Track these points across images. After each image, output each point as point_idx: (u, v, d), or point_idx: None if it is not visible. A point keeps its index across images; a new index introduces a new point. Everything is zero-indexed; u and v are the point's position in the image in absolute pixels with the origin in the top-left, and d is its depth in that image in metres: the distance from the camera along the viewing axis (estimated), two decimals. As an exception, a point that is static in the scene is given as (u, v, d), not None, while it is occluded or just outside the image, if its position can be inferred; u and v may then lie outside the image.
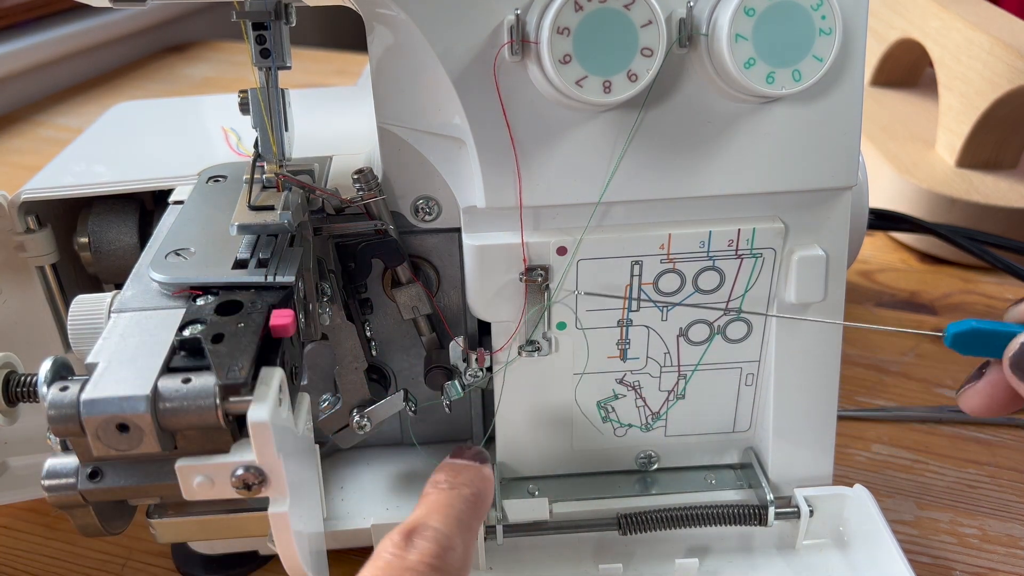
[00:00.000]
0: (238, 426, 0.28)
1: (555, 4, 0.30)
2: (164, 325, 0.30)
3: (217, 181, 0.40)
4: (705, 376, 0.39)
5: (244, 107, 0.35)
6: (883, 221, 0.65)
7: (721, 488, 0.41)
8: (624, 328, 0.37)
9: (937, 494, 0.45)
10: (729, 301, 0.37)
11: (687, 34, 0.32)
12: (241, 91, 0.35)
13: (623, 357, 0.38)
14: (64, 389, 0.27)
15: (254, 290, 0.31)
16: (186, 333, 0.29)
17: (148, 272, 0.32)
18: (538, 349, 0.37)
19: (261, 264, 0.32)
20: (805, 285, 0.36)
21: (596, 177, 0.34)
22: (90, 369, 0.28)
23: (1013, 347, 0.30)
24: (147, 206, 0.43)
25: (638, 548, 0.39)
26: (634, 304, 0.37)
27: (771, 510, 0.38)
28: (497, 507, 0.38)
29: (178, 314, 0.30)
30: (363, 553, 0.40)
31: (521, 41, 0.31)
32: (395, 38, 0.34)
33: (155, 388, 0.27)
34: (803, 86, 0.32)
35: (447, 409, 0.39)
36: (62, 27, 1.11)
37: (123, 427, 0.26)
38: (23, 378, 0.31)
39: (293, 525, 0.28)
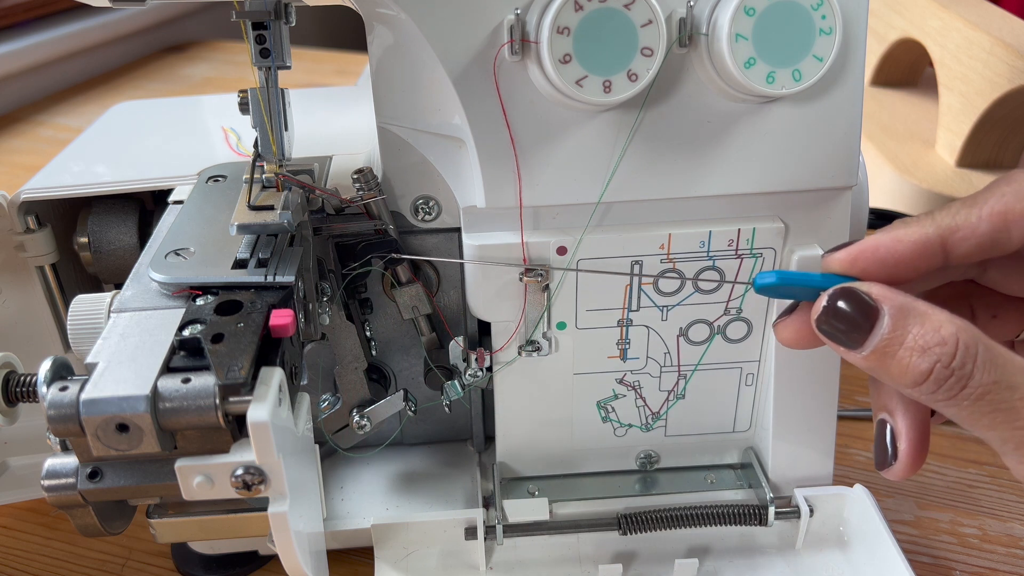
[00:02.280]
0: (238, 426, 0.28)
1: (555, 4, 0.30)
2: (164, 325, 0.30)
3: (217, 181, 0.40)
4: (705, 376, 0.39)
5: (244, 107, 0.35)
6: (883, 221, 0.65)
7: (721, 488, 0.41)
8: (624, 328, 0.37)
9: (937, 494, 0.45)
10: (729, 301, 0.37)
11: (687, 34, 0.32)
12: (241, 91, 0.35)
13: (623, 357, 0.38)
14: (64, 389, 0.27)
15: (254, 290, 0.31)
16: (186, 333, 0.29)
17: (148, 272, 0.32)
18: (538, 349, 0.37)
19: (261, 264, 0.32)
20: (805, 285, 0.36)
21: (596, 177, 0.34)
22: (90, 369, 0.28)
23: (818, 306, 0.29)
24: (147, 206, 0.43)
25: (638, 548, 0.39)
26: (634, 303, 0.37)
27: (771, 510, 0.38)
28: (497, 507, 0.39)
29: (178, 314, 0.30)
30: (363, 553, 0.40)
31: (521, 41, 0.31)
32: (395, 38, 0.34)
33: (155, 388, 0.27)
34: (803, 86, 0.32)
35: (447, 409, 0.39)
36: (62, 27, 1.11)
37: (123, 427, 0.26)
38: (23, 378, 0.31)
39: (293, 525, 0.28)
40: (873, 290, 0.29)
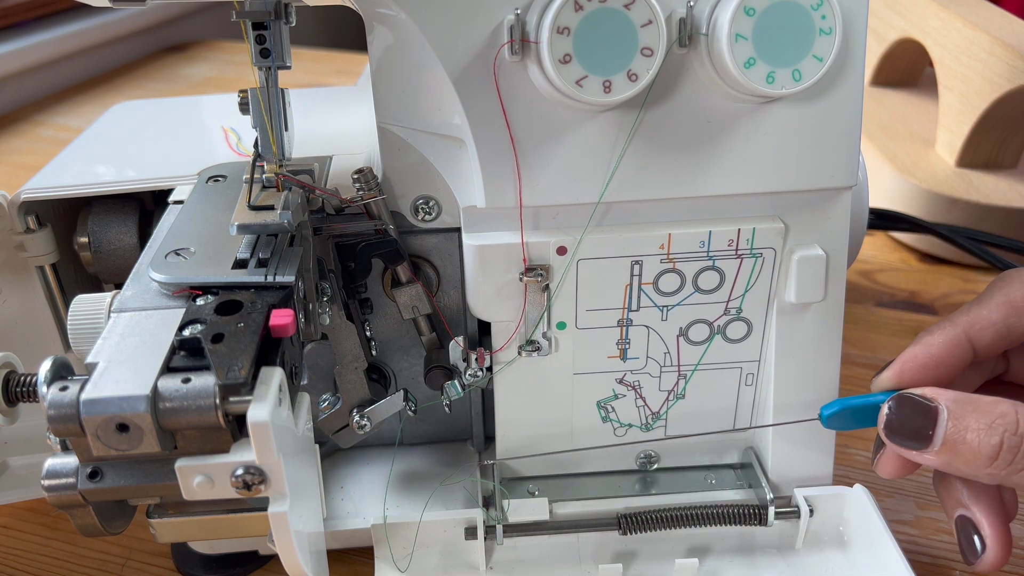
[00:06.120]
0: (238, 426, 0.28)
1: (555, 4, 0.30)
2: (164, 325, 0.30)
3: (217, 181, 0.40)
4: (705, 376, 0.39)
5: (244, 107, 0.35)
6: (883, 221, 0.65)
7: (721, 488, 0.41)
8: (624, 328, 0.37)
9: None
10: (729, 301, 0.37)
11: (687, 34, 0.32)
12: (241, 91, 0.35)
13: (623, 357, 0.38)
14: (64, 389, 0.27)
15: (254, 290, 0.31)
16: (186, 333, 0.29)
17: (148, 272, 0.32)
18: (538, 349, 0.37)
19: (261, 264, 0.32)
20: (805, 285, 0.36)
21: (596, 177, 0.34)
22: (90, 369, 0.28)
23: (882, 418, 0.32)
24: (147, 206, 0.43)
25: (638, 548, 0.39)
26: (634, 303, 0.37)
27: (771, 510, 0.38)
28: (497, 507, 0.39)
29: (178, 314, 0.30)
30: (363, 553, 0.40)
31: (521, 41, 0.31)
32: (395, 38, 0.34)
33: (155, 388, 0.27)
34: (803, 86, 0.32)
35: (447, 409, 0.39)
36: (62, 27, 1.11)
37: (123, 427, 0.26)
38: (23, 378, 0.31)
39: (293, 525, 0.28)
40: (927, 392, 0.32)
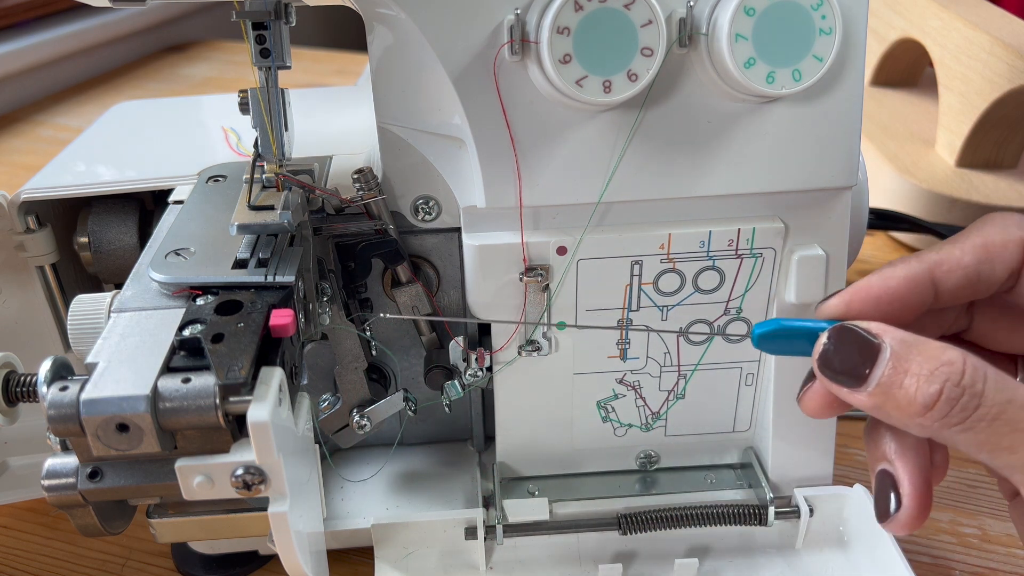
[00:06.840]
0: (238, 426, 0.28)
1: (555, 4, 0.30)
2: (164, 325, 0.30)
3: (217, 181, 0.40)
4: (705, 376, 0.39)
5: (244, 107, 0.35)
6: (883, 221, 0.65)
7: (721, 488, 0.41)
8: (624, 328, 0.37)
9: (937, 494, 0.44)
10: (729, 301, 0.37)
11: (687, 34, 0.32)
12: (241, 91, 0.35)
13: (623, 357, 0.38)
14: (64, 389, 0.27)
15: (254, 290, 0.31)
16: (186, 333, 0.29)
17: (148, 272, 0.33)
18: (538, 349, 0.37)
19: (261, 264, 0.32)
20: (805, 285, 0.36)
21: (596, 177, 0.34)
22: (90, 369, 0.28)
23: (818, 348, 0.29)
24: (147, 206, 0.43)
25: (638, 548, 0.39)
26: (634, 303, 0.37)
27: (771, 510, 0.38)
28: (497, 507, 0.39)
29: (178, 314, 0.30)
30: (363, 553, 0.40)
31: (521, 41, 0.31)
32: (395, 38, 0.34)
33: (155, 388, 0.27)
34: (803, 86, 0.32)
35: (447, 409, 0.39)
36: (62, 27, 1.11)
37: (123, 427, 0.26)
38: (23, 378, 0.31)
39: (293, 525, 0.28)
40: (872, 327, 0.28)
